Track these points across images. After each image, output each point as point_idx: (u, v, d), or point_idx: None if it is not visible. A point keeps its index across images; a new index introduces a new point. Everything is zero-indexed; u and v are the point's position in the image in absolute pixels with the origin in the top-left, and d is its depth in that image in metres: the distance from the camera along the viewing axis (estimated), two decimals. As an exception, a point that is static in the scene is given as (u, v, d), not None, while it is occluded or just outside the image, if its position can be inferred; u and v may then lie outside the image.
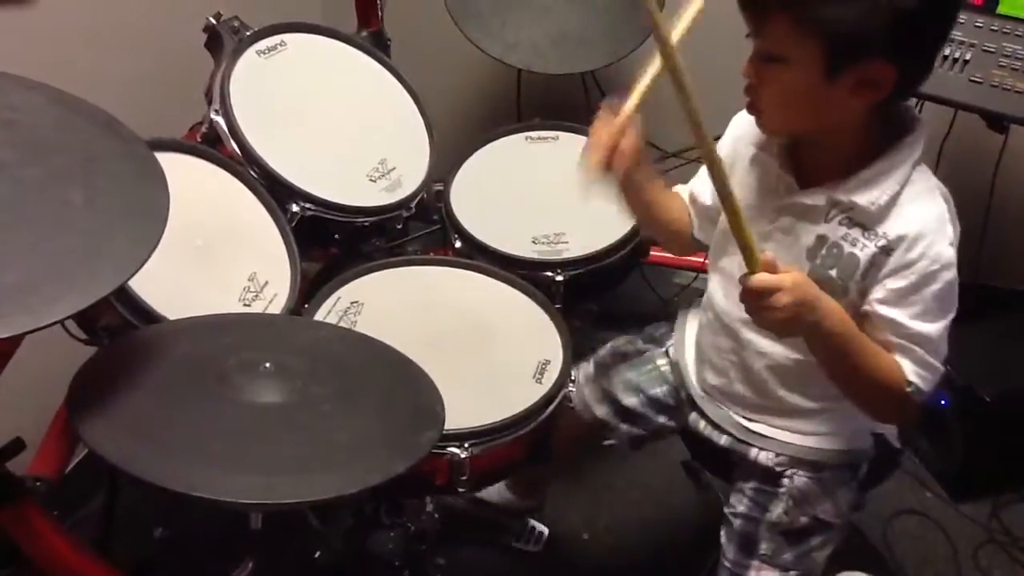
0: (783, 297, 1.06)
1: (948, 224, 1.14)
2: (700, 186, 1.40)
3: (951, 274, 1.13)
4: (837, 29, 1.03)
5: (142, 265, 0.95)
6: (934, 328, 1.15)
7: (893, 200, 1.13)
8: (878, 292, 1.15)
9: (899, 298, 1.14)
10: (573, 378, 1.49)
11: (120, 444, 0.90)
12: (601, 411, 1.54)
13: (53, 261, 0.90)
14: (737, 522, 1.37)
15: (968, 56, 1.69)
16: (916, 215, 1.13)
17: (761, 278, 1.07)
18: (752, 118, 1.21)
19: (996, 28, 1.68)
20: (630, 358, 1.55)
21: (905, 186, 1.13)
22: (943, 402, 2.03)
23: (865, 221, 1.15)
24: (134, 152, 1.07)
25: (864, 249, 1.15)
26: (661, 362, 1.52)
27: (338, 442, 1.01)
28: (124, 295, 1.27)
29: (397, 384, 1.17)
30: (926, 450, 2.12)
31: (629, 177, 1.26)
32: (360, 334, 1.30)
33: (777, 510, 1.33)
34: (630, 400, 1.51)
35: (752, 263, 1.08)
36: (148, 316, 1.28)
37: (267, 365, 1.07)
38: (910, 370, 1.16)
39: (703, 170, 1.38)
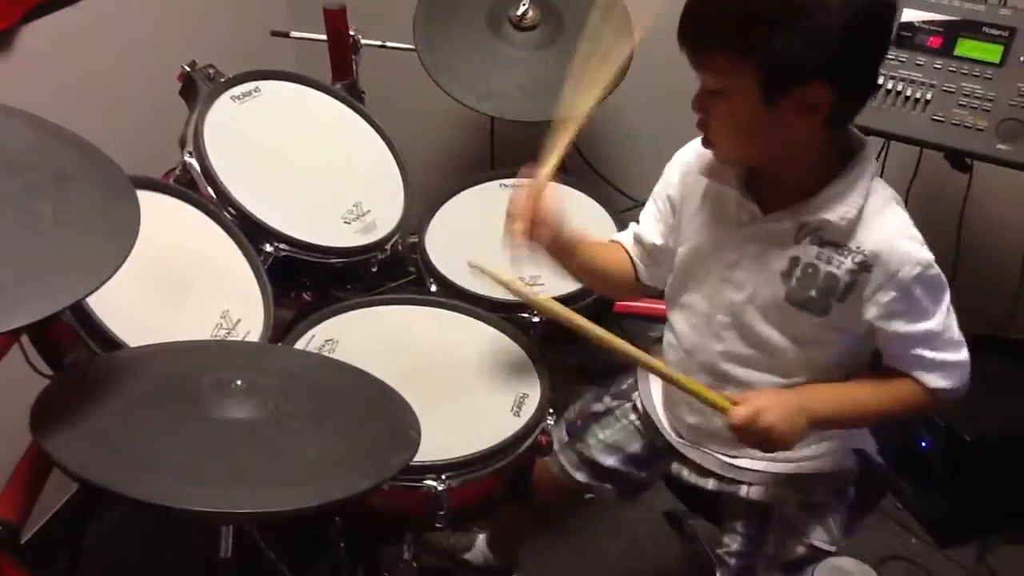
0: (767, 416, 1.14)
1: (914, 227, 1.16)
2: (647, 228, 1.38)
3: (934, 271, 1.15)
4: (770, 59, 1.04)
5: (109, 278, 0.94)
6: (934, 322, 1.17)
7: (860, 213, 1.14)
8: (872, 309, 1.16)
9: (893, 310, 1.15)
10: (551, 419, 1.46)
11: (81, 454, 0.88)
12: (582, 476, 1.51)
13: (20, 270, 0.90)
14: (733, 561, 1.35)
15: (929, 96, 1.75)
16: (885, 225, 1.15)
17: (737, 412, 1.16)
18: (697, 152, 1.24)
19: (954, 69, 1.73)
20: (600, 417, 1.53)
21: (868, 198, 1.15)
22: (924, 444, 2.03)
23: (836, 238, 1.16)
24: (106, 172, 1.07)
25: (841, 266, 1.16)
26: (632, 416, 1.50)
27: (306, 458, 1.00)
28: (94, 329, 1.25)
29: (372, 408, 1.15)
30: (909, 494, 2.11)
31: (556, 243, 1.28)
32: (337, 361, 1.28)
33: (772, 543, 1.32)
34: (609, 461, 1.49)
35: (720, 406, 1.19)
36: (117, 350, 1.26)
37: (238, 383, 1.05)
38: (930, 379, 1.19)
39: (647, 214, 1.39)
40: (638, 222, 1.41)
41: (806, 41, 1.02)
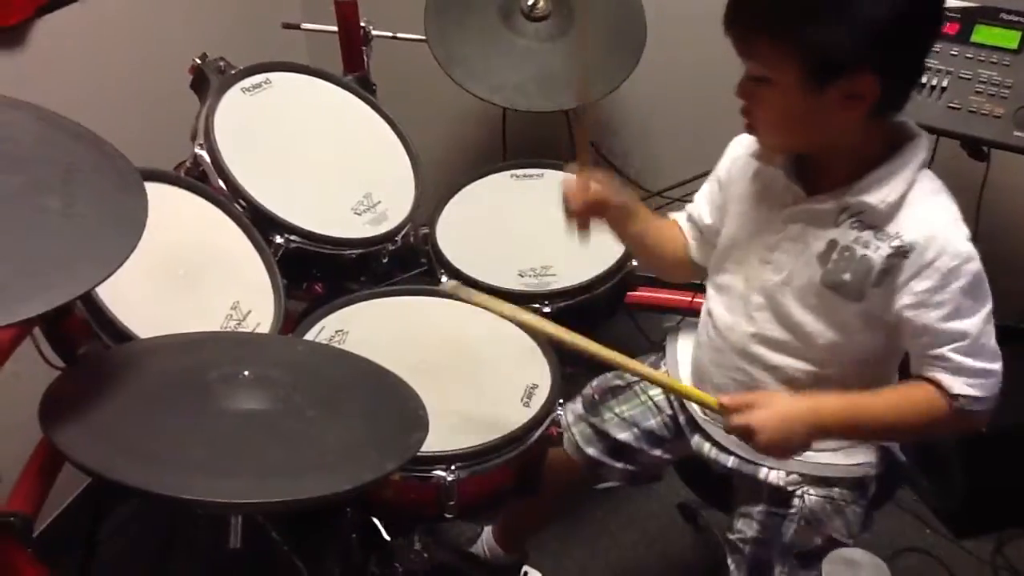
0: (763, 437, 1.15)
1: (961, 221, 1.14)
2: (699, 206, 1.41)
3: (975, 266, 1.12)
4: (813, 48, 1.04)
5: (117, 268, 0.94)
6: (969, 323, 1.13)
7: (902, 199, 1.13)
8: (904, 298, 1.14)
9: (926, 300, 1.13)
10: (561, 410, 1.46)
11: (89, 447, 0.88)
12: (593, 450, 1.51)
13: (28, 262, 0.90)
14: (747, 548, 1.34)
15: (945, 83, 1.72)
16: (927, 213, 1.13)
17: (731, 423, 1.17)
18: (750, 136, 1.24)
19: (971, 56, 1.71)
20: (619, 392, 1.53)
21: (913, 186, 1.14)
22: (940, 435, 2.01)
23: (876, 222, 1.15)
24: (114, 165, 1.07)
25: (878, 251, 1.14)
26: (653, 392, 1.50)
27: (327, 445, 1.00)
28: (104, 321, 1.26)
29: (379, 392, 1.16)
30: (925, 487, 2.09)
31: (611, 215, 1.34)
32: (339, 349, 1.29)
33: (790, 532, 1.30)
34: (623, 435, 1.49)
35: (710, 405, 1.21)
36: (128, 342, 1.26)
37: (246, 374, 1.05)
38: (953, 383, 1.14)
39: (701, 192, 1.41)
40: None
41: (852, 30, 1.02)
